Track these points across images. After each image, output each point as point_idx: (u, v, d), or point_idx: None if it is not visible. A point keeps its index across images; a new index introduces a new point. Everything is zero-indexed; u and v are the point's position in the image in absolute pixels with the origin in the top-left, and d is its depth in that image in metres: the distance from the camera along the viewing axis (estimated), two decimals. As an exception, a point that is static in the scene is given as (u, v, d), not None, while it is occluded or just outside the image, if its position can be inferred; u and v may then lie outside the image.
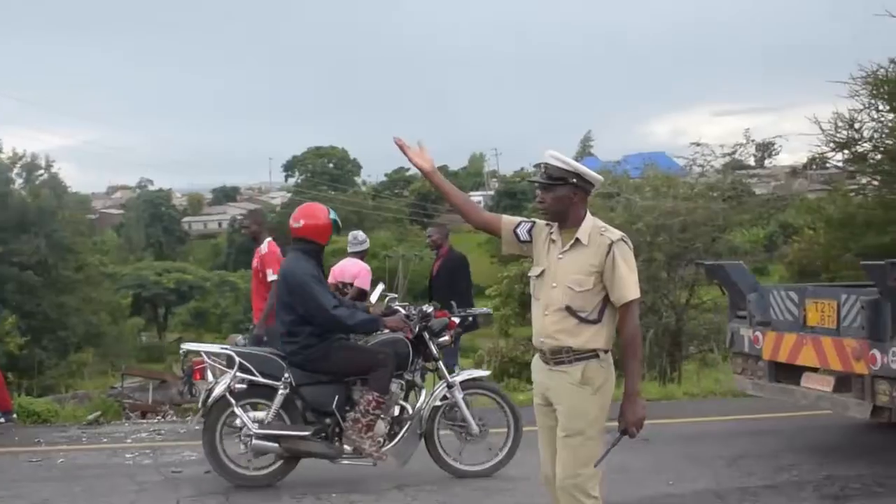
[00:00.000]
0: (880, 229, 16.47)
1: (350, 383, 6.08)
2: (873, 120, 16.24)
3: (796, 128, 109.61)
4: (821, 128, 16.25)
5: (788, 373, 7.09)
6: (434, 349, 6.28)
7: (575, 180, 3.91)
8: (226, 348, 6.25)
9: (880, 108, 16.06)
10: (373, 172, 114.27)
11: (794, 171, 25.51)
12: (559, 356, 3.90)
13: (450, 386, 6.31)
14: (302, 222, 6.10)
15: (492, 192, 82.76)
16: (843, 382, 6.55)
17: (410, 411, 6.18)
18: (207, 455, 6.08)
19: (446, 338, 6.39)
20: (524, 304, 27.27)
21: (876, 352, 6.07)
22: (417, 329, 6.20)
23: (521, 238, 4.07)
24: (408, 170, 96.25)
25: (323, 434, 5.99)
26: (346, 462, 6.02)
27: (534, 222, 4.09)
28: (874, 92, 15.78)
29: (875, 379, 6.11)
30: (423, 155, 4.07)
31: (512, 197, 69.63)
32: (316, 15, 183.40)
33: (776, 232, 36.85)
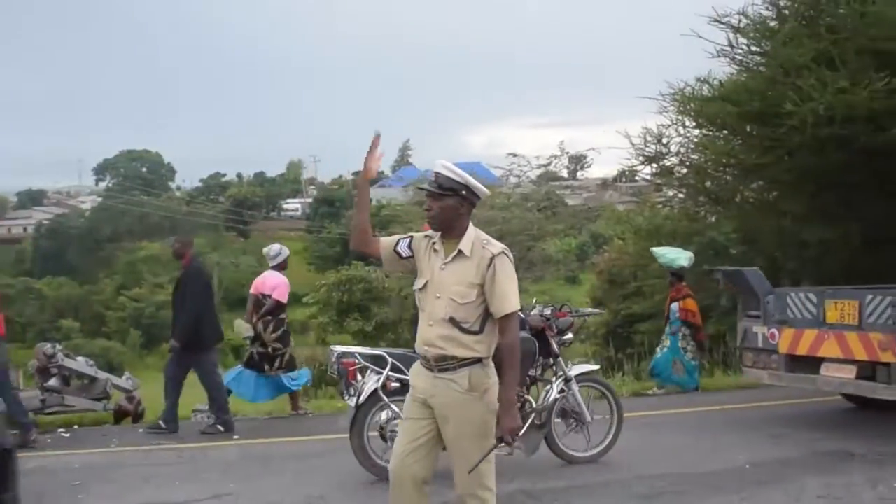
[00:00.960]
0: (686, 240, 17.22)
1: None
2: (680, 135, 16.96)
3: (609, 141, 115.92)
4: (631, 142, 16.81)
5: (804, 364, 8.06)
6: (555, 346, 6.81)
7: (464, 192, 4.02)
8: (379, 350, 6.74)
9: (686, 124, 16.76)
10: (188, 177, 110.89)
11: (605, 183, 26.47)
12: (444, 363, 3.98)
13: (567, 380, 6.83)
14: None
15: (310, 200, 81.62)
16: (867, 370, 7.56)
17: (534, 404, 6.61)
18: (356, 449, 6.44)
19: (570, 336, 7.04)
20: (342, 311, 26.76)
21: None
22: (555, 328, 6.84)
23: (403, 255, 4.14)
24: (224, 175, 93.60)
25: None
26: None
27: (411, 237, 4.18)
28: (681, 108, 16.41)
29: None
30: (378, 162, 4.15)
31: (330, 204, 68.72)
32: (126, 13, 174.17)
33: (587, 242, 38.27)
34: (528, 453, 6.57)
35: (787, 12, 15.54)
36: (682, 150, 17.11)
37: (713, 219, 17.23)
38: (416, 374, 4.16)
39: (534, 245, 18.42)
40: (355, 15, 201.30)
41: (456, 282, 3.96)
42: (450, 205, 4.00)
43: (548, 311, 6.97)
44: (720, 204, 17.40)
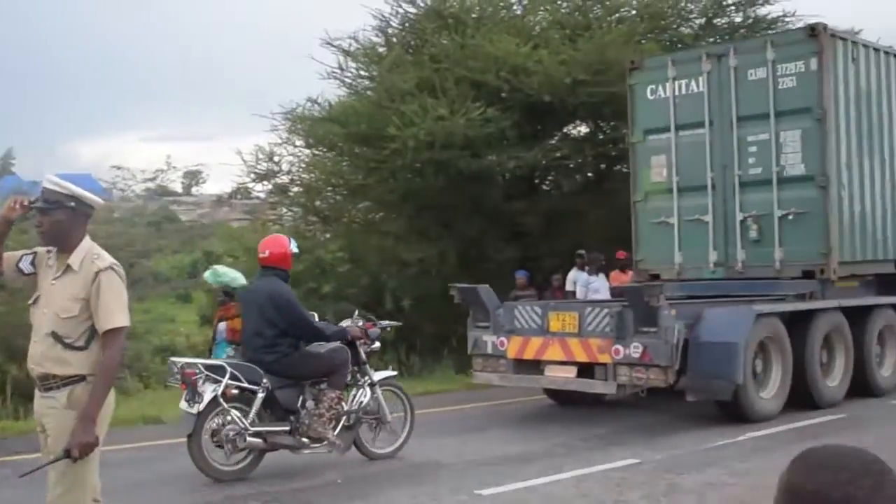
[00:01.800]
0: (294, 258, 17.55)
1: (306, 385, 7.12)
2: (291, 154, 17.37)
3: (224, 158, 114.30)
4: (243, 159, 16.84)
5: (530, 367, 9.37)
6: (363, 354, 7.50)
7: (73, 204, 3.95)
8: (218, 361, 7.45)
9: (297, 143, 17.23)
10: None
11: (219, 200, 26.07)
12: (47, 382, 3.90)
13: (372, 385, 7.51)
14: (268, 252, 7.18)
15: None
16: (586, 370, 8.98)
17: (346, 406, 7.27)
18: (194, 454, 6.79)
19: (378, 344, 7.79)
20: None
21: (619, 346, 8.57)
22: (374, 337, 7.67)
23: (26, 271, 4.04)
24: None
25: (291, 429, 7.02)
26: (306, 452, 7.14)
27: (35, 252, 4.06)
28: (292, 128, 16.83)
29: (617, 366, 8.62)
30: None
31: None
32: None
33: (200, 259, 37.43)
34: (342, 452, 7.22)
35: (394, 40, 16.75)
36: (294, 168, 17.59)
37: (326, 237, 17.80)
38: (35, 398, 4.04)
39: (138, 261, 17.64)
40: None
41: (62, 296, 3.90)
42: (58, 219, 3.94)
43: (360, 323, 7.66)
44: (329, 223, 18.02)
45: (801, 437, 7.94)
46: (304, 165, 17.62)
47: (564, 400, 10.25)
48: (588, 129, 16.89)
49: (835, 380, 9.62)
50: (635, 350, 8.51)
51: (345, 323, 7.65)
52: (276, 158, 17.05)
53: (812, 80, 9.41)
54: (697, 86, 10.34)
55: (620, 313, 8.75)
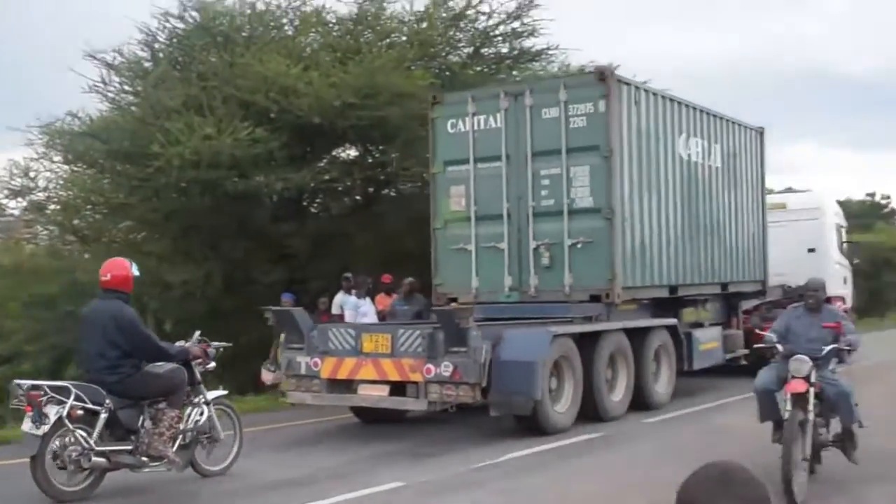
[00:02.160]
0: (48, 278, 16.43)
1: (145, 405, 7.16)
2: (49, 170, 16.26)
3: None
4: (-6, 174, 15.56)
5: (343, 386, 9.69)
6: (198, 374, 7.64)
7: None
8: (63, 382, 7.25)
9: (55, 158, 16.16)
10: None
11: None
12: None
13: (206, 403, 7.67)
14: (110, 275, 7.29)
15: None
16: (398, 389, 9.36)
17: (184, 425, 7.38)
18: (37, 475, 6.73)
19: (212, 364, 7.94)
20: None
21: (431, 365, 8.99)
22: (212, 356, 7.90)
23: None
24: None
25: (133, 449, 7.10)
26: (146, 470, 7.14)
27: None
28: (50, 142, 15.78)
29: (428, 384, 9.01)
30: None
31: None
32: None
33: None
34: (180, 469, 7.34)
35: (161, 55, 16.18)
36: (52, 185, 16.49)
37: (86, 257, 16.74)
38: None
39: None
40: None
41: None
42: None
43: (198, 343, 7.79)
44: (88, 242, 17.03)
45: (560, 456, 8.46)
46: (62, 182, 16.61)
47: (370, 418, 10.46)
48: (357, 153, 17.21)
49: (619, 395, 10.56)
50: (446, 369, 8.92)
51: (183, 343, 7.70)
52: (32, 174, 16.08)
53: (600, 121, 10.40)
54: (495, 121, 11.04)
55: (432, 334, 9.17)
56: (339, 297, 13.13)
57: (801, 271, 15.66)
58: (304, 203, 17.20)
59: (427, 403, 9.12)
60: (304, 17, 16.52)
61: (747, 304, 14.37)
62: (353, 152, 17.32)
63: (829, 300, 16.41)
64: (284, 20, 16.71)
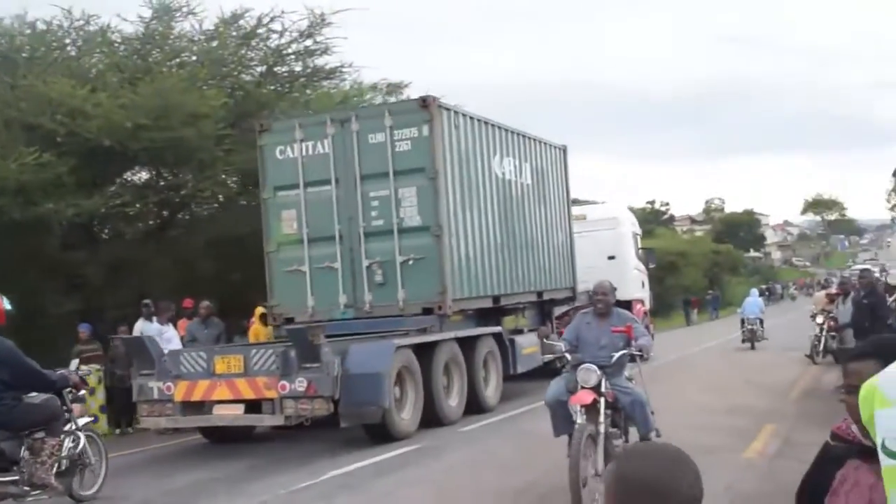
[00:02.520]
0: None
1: (24, 435, 7.31)
2: None
3: None
4: None
5: (198, 407, 10.00)
6: (69, 402, 7.83)
7: None
8: None
9: None
10: None
11: None
12: None
13: (79, 430, 7.89)
14: None
15: None
16: (254, 408, 9.77)
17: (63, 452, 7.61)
18: None
19: (83, 392, 8.35)
20: None
21: (285, 382, 9.45)
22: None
23: None
24: None
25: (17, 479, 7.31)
26: (30, 500, 7.29)
27: None
28: None
29: (283, 400, 9.50)
30: None
31: None
32: None
33: None
34: (62, 495, 7.59)
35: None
36: None
37: None
38: None
39: None
40: None
41: None
42: None
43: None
44: None
45: (378, 472, 8.67)
46: None
47: (216, 438, 10.81)
48: (149, 175, 17.08)
49: (455, 400, 11.36)
50: (300, 384, 9.39)
51: (63, 371, 7.95)
52: None
53: (425, 145, 11.20)
54: (323, 147, 11.60)
55: (284, 352, 9.62)
56: (140, 325, 12.82)
57: (604, 278, 17.28)
58: (96, 229, 16.89)
59: (283, 418, 9.56)
60: (87, 36, 16.27)
61: (559, 310, 15.67)
62: (145, 175, 17.18)
63: (629, 304, 18.47)
64: (67, 40, 16.40)
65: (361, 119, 11.62)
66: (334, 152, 11.53)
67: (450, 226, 11.39)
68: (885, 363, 1.97)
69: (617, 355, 6.71)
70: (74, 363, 8.32)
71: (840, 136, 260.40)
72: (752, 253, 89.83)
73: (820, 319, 16.93)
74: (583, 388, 6.51)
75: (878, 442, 1.96)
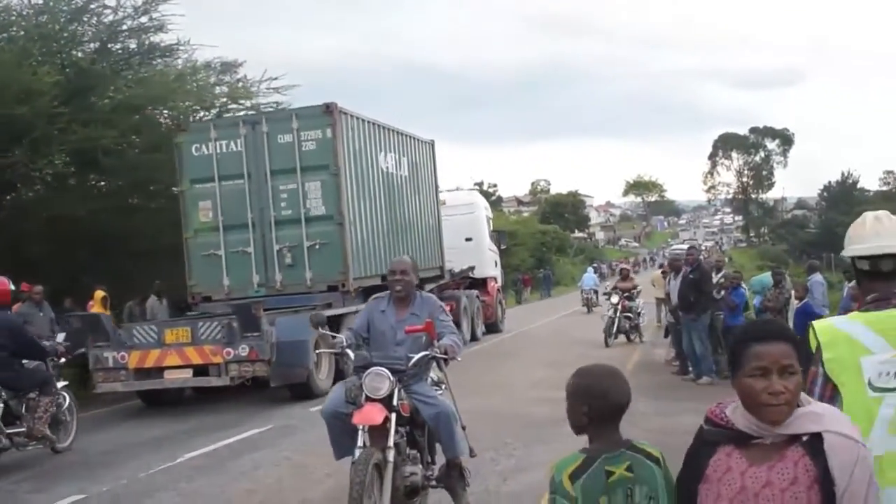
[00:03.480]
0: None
1: (23, 395, 9.04)
2: None
3: None
4: None
5: (150, 373, 11.98)
6: (51, 368, 9.69)
7: None
8: None
9: None
10: None
11: None
12: None
13: (61, 391, 9.73)
14: None
15: None
16: (202, 371, 11.84)
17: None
18: None
19: (63, 360, 10.19)
20: None
21: (230, 349, 11.57)
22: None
23: None
24: None
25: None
26: (30, 448, 9.16)
27: None
28: None
29: (228, 364, 11.61)
30: None
31: None
32: None
33: None
34: (53, 445, 9.33)
35: None
36: None
37: None
38: None
39: None
40: None
41: None
42: None
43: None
44: None
45: (232, 454, 9.15)
46: None
47: (151, 401, 12.79)
48: None
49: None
50: (243, 350, 11.56)
51: (52, 342, 9.98)
52: None
53: (328, 145, 13.48)
54: (236, 146, 13.66)
55: (229, 324, 11.73)
56: None
57: (463, 258, 20.19)
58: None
59: (229, 379, 11.67)
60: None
61: (429, 287, 18.34)
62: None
63: (485, 281, 21.41)
64: None
65: (271, 122, 13.79)
66: (246, 150, 13.61)
67: (349, 215, 13.74)
68: (794, 345, 2.20)
69: (416, 357, 5.39)
70: (61, 336, 10.12)
71: (662, 121, 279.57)
72: (577, 233, 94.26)
73: (615, 299, 18.14)
74: (369, 399, 5.22)
75: (864, 381, 2.64)
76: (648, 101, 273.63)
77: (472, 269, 20.20)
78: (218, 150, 13.69)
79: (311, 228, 13.60)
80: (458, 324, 16.79)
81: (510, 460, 8.12)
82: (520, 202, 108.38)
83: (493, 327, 21.97)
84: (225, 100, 19.89)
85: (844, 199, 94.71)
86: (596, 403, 2.54)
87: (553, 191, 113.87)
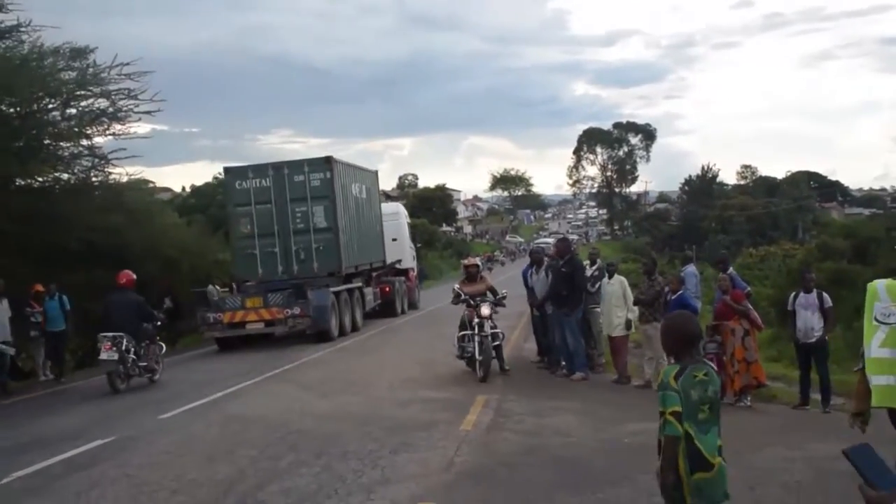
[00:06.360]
0: None
1: (143, 343, 16.06)
2: None
3: None
4: None
5: (237, 326, 20.79)
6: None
7: None
8: (119, 333, 15.63)
9: None
10: None
11: None
12: None
13: (160, 342, 17.19)
14: (125, 279, 15.97)
15: None
16: (270, 324, 21.11)
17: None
18: (111, 381, 15.34)
19: (160, 322, 16.39)
20: None
21: (288, 309, 21.32)
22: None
23: None
24: None
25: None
26: (147, 376, 16.10)
27: None
28: None
29: (287, 319, 21.09)
30: None
31: None
32: None
33: None
34: (158, 376, 16.32)
35: None
36: None
37: None
38: None
39: None
40: None
41: None
42: None
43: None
44: None
45: (68, 469, 8.86)
46: None
47: (226, 347, 21.82)
48: None
49: (357, 317, 23.84)
50: (296, 311, 21.02)
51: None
52: None
53: (328, 183, 23.03)
54: (266, 182, 23.05)
55: (288, 295, 21.22)
56: None
57: (392, 253, 30.26)
58: None
59: (287, 328, 21.14)
60: None
61: (376, 274, 28.33)
62: None
63: (406, 272, 31.71)
64: None
65: (289, 168, 23.28)
66: (273, 185, 22.99)
67: (340, 228, 23.41)
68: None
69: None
70: (166, 304, 19.43)
71: (529, 117, 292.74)
72: (445, 227, 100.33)
73: (466, 313, 14.88)
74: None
75: (873, 316, 5.00)
76: (515, 97, 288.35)
77: (398, 261, 30.20)
78: (254, 186, 23.11)
79: (317, 237, 23.13)
80: (392, 301, 27.92)
81: (375, 471, 8.08)
82: (388, 196, 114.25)
83: (413, 305, 31.94)
84: (73, 86, 20.74)
85: (705, 193, 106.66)
86: (684, 336, 4.67)
87: (421, 185, 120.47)
